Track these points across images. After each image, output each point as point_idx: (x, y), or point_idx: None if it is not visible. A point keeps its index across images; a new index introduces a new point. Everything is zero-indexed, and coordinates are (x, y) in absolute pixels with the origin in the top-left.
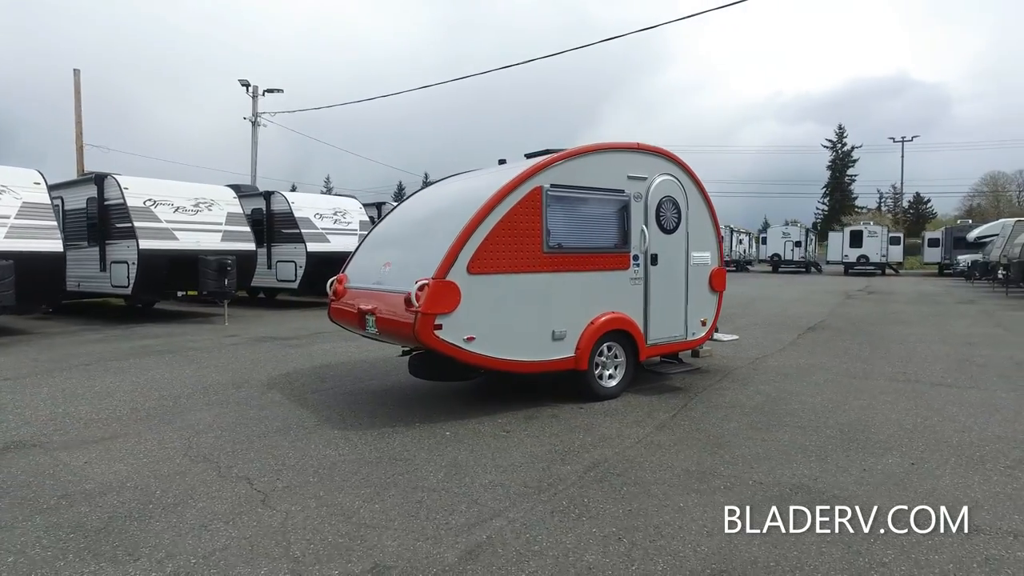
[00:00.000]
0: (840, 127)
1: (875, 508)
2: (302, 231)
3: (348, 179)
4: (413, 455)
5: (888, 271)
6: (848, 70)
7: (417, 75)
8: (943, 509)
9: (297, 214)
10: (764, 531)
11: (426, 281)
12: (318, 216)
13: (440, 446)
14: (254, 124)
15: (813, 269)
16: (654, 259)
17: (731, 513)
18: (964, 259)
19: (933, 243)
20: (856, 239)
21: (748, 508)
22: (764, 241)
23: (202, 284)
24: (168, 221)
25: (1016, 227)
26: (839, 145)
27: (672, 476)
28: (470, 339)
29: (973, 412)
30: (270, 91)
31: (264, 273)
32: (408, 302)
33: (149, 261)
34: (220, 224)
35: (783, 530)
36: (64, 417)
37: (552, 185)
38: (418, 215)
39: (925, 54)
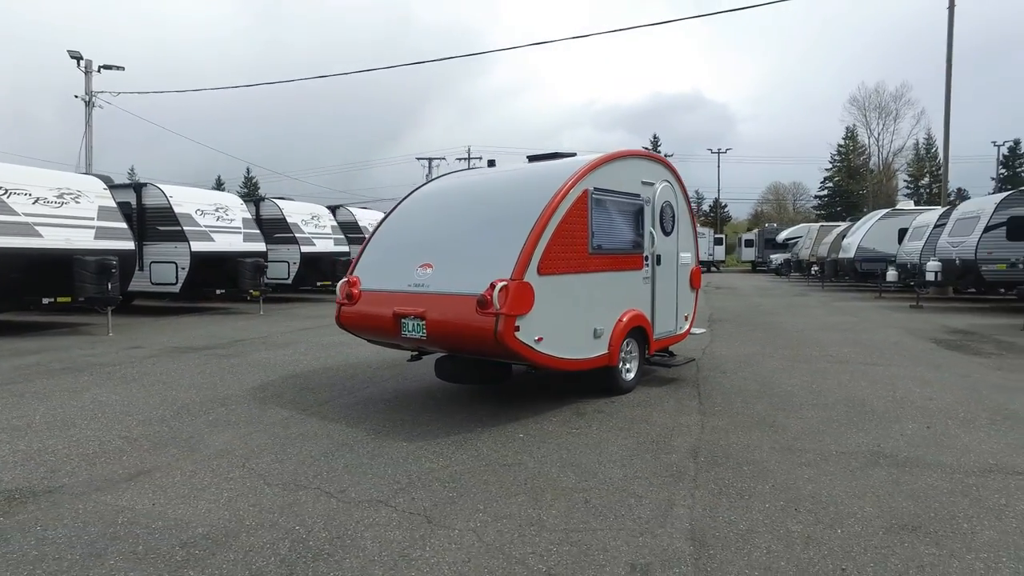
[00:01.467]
0: (655, 136)
1: (947, 463)
2: (184, 228)
3: (156, 169)
4: (519, 458)
5: (712, 269)
6: (652, 85)
7: (229, 65)
8: (990, 459)
9: (177, 209)
10: (897, 484)
11: (505, 282)
12: (200, 212)
13: (530, 447)
14: (88, 104)
15: None
16: (658, 259)
17: (853, 476)
18: (776, 257)
19: (748, 243)
20: None
21: (862, 471)
22: None
23: (79, 289)
24: (27, 214)
25: (820, 231)
26: (665, 155)
27: (767, 454)
28: (539, 340)
29: (917, 385)
30: (108, 68)
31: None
32: (483, 304)
33: (4, 262)
34: (92, 219)
35: (907, 485)
36: (47, 455)
37: (595, 188)
38: (447, 215)
39: (715, 76)
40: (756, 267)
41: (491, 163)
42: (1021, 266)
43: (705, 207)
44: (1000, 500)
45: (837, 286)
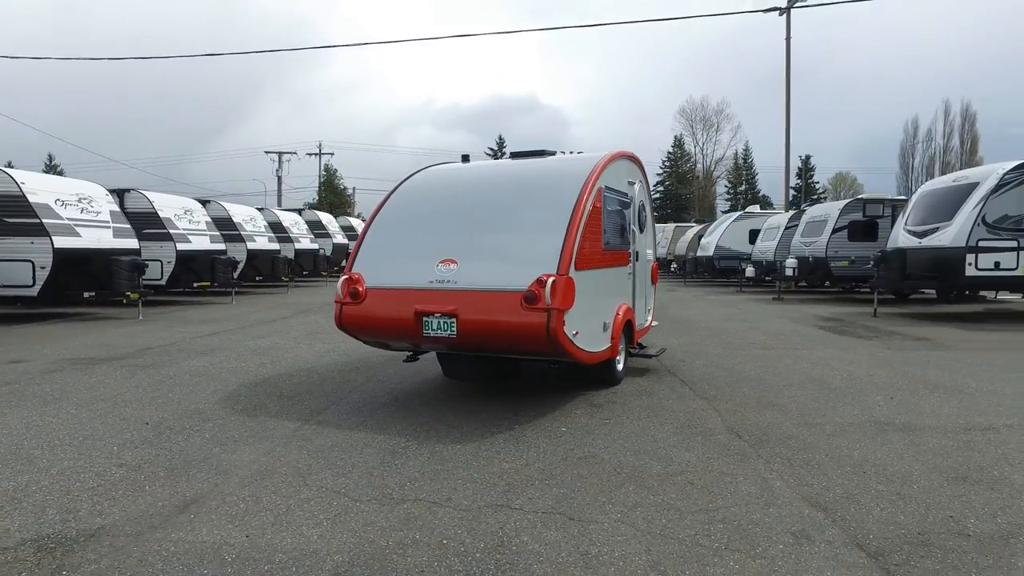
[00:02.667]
0: (500, 137)
1: (933, 426)
2: (43, 221)
3: None
4: (588, 450)
5: None
6: (492, 87)
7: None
8: (959, 420)
9: (32, 199)
10: (916, 445)
11: (553, 277)
12: (60, 203)
13: (585, 440)
14: None
15: None
16: (636, 255)
17: (878, 442)
18: None
19: None
20: None
21: (880, 436)
22: None
23: None
24: None
25: (675, 231)
26: (500, 154)
27: (795, 429)
28: (576, 334)
29: (845, 364)
30: None
31: None
32: (531, 300)
33: None
34: None
35: (923, 446)
36: (40, 493)
37: (606, 186)
38: (458, 209)
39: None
40: None
41: (465, 158)
42: (860, 263)
43: None
44: (1000, 451)
45: (697, 282)
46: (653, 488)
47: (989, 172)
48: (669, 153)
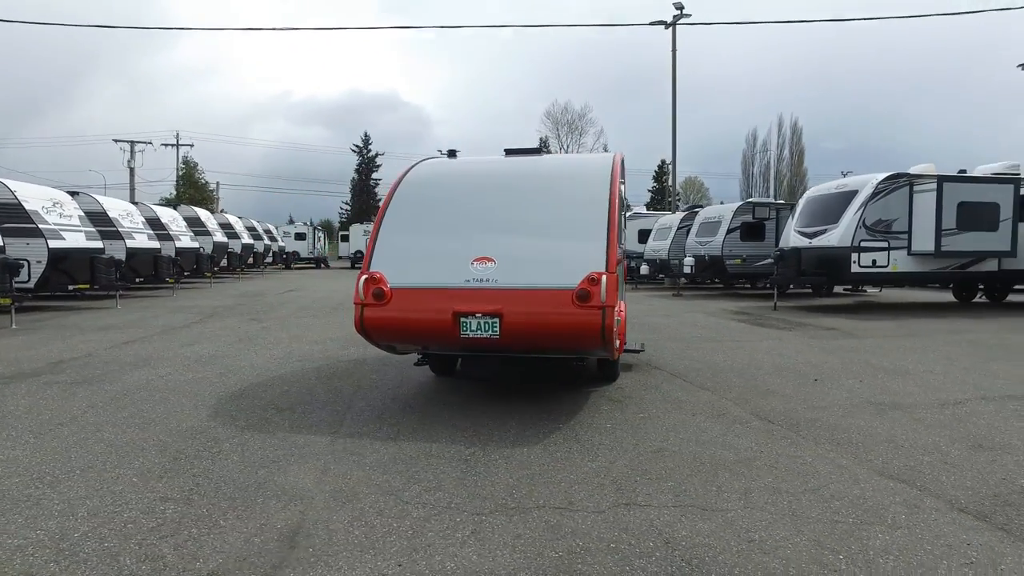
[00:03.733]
0: (366, 134)
1: (919, 403)
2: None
3: None
4: (657, 444)
5: None
6: (350, 82)
7: None
8: (933, 396)
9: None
10: (919, 421)
11: (604, 275)
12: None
13: (641, 435)
14: None
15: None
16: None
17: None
18: None
19: None
20: None
21: (885, 415)
22: (346, 239)
23: None
24: None
25: None
26: (365, 151)
27: (811, 413)
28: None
29: (795, 352)
30: None
31: None
32: (583, 297)
33: None
34: None
35: (924, 422)
36: (109, 537)
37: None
38: (481, 205)
39: (411, 79)
40: None
41: (452, 153)
42: (750, 261)
43: None
44: (985, 421)
45: None
46: (746, 474)
47: (865, 181)
48: None
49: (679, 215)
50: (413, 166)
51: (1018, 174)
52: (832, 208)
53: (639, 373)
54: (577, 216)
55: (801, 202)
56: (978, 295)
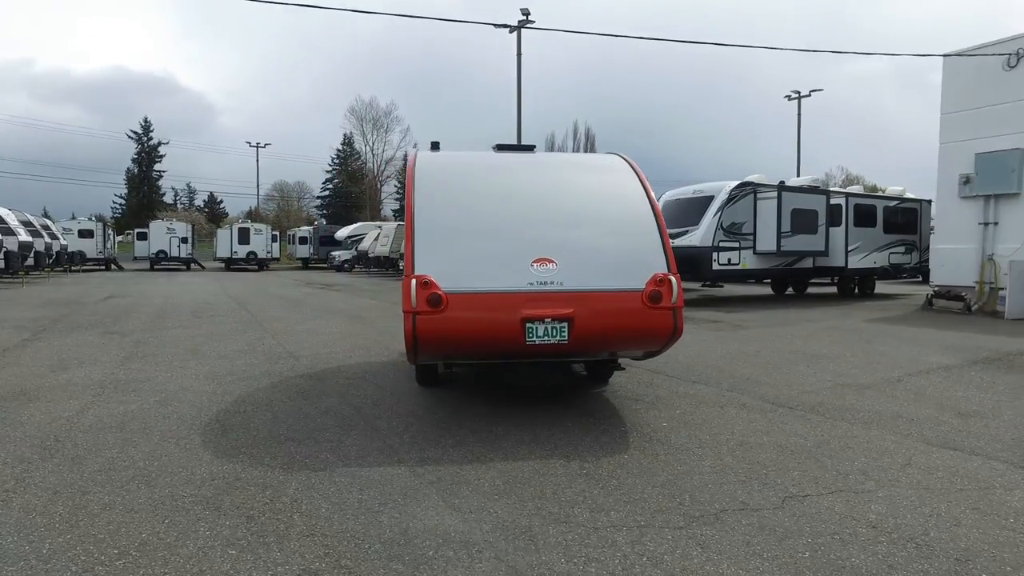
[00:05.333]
0: (146, 120)
1: (879, 382)
2: None
3: None
4: (741, 439)
5: (270, 266)
6: (114, 57)
7: None
8: (882, 375)
9: None
10: (895, 396)
11: (672, 276)
12: None
13: (705, 433)
14: None
15: (195, 266)
16: None
17: (886, 397)
18: (340, 254)
19: (303, 240)
20: (244, 236)
21: (882, 392)
22: (144, 237)
23: None
24: None
25: (398, 230)
26: (145, 139)
27: (824, 397)
28: None
29: (737, 345)
30: None
31: None
32: (655, 299)
33: None
34: None
35: (904, 395)
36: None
37: None
38: (530, 202)
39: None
40: (309, 264)
41: (435, 145)
42: None
43: (199, 201)
44: (942, 391)
45: None
46: (837, 457)
47: (720, 188)
48: (338, 150)
49: None
50: (416, 156)
51: (819, 187)
52: (691, 211)
53: (618, 376)
54: (625, 215)
55: (659, 204)
56: (787, 289)
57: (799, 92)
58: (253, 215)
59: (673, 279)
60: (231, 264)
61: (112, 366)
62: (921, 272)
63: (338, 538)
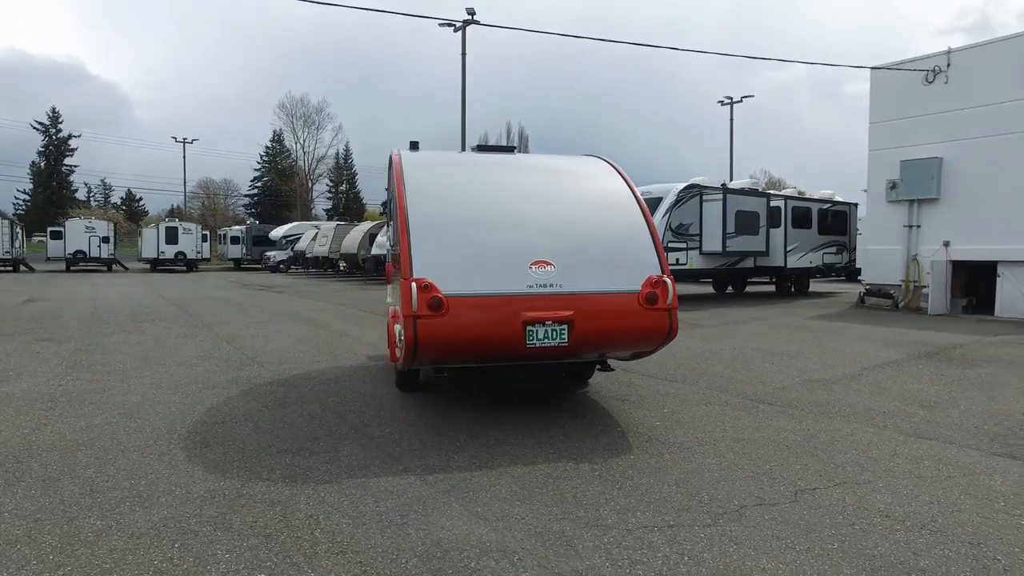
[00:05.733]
0: (54, 111)
1: (845, 376)
2: None
3: None
4: (743, 437)
5: (200, 267)
6: (9, 39)
7: None
8: (841, 371)
9: None
10: (877, 388)
11: (666, 277)
12: None
13: (717, 435)
14: None
15: (117, 267)
16: None
17: (859, 389)
18: (274, 255)
19: (235, 240)
20: (172, 235)
21: (833, 387)
22: (59, 236)
23: None
24: None
25: (338, 230)
26: (54, 131)
27: (801, 394)
28: None
29: (699, 343)
30: None
31: None
32: (652, 300)
33: None
34: None
35: (861, 391)
36: None
37: None
38: (523, 204)
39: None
40: (241, 265)
41: (414, 145)
42: None
43: (116, 198)
44: (901, 384)
45: (381, 280)
46: (831, 450)
47: (668, 190)
48: (267, 147)
49: None
50: (401, 155)
51: (758, 188)
52: None
53: (598, 376)
54: (616, 217)
55: None
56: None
57: (731, 98)
58: (176, 213)
59: (668, 281)
60: (157, 265)
61: (56, 377)
62: (848, 271)
63: (370, 554)
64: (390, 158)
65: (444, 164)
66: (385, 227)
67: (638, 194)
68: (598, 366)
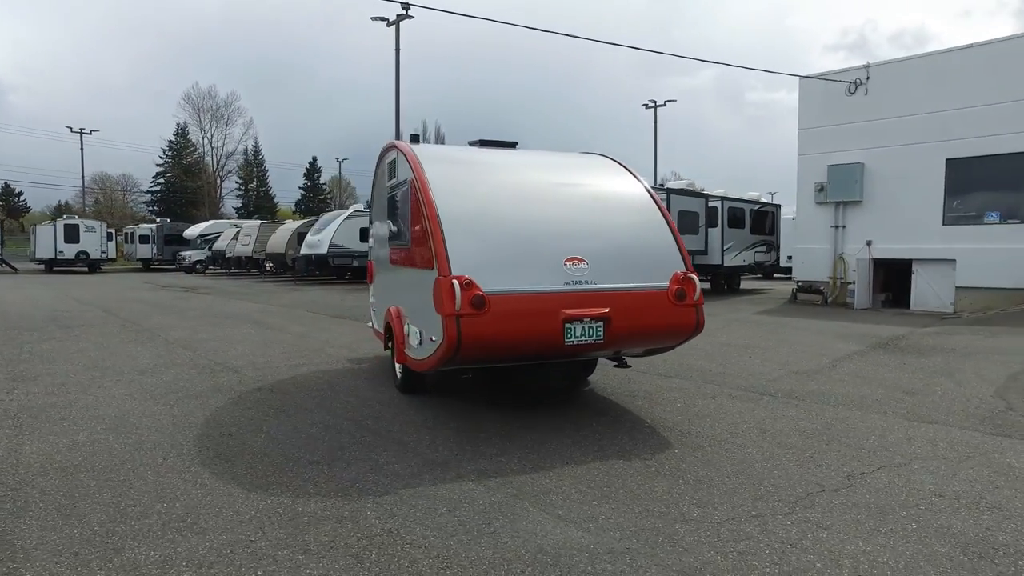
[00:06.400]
0: None
1: (821, 367)
2: None
3: None
4: (768, 427)
5: (103, 267)
6: None
7: None
8: (818, 362)
9: None
10: (854, 377)
11: (686, 273)
12: None
13: (730, 422)
14: None
15: (5, 267)
16: None
17: (840, 379)
18: (190, 254)
19: (144, 239)
20: (72, 234)
21: (816, 377)
22: None
23: None
24: None
25: (263, 228)
26: None
27: (782, 384)
28: None
29: None
30: None
31: None
32: (681, 297)
33: None
34: None
35: (841, 380)
36: None
37: None
38: (547, 201)
39: None
40: (151, 265)
41: (414, 138)
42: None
43: None
44: (873, 372)
45: (316, 281)
46: (851, 436)
47: None
48: (171, 142)
49: None
50: (414, 149)
51: (699, 190)
52: None
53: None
54: (636, 214)
55: None
56: None
57: (655, 101)
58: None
59: (694, 277)
60: (55, 266)
61: (1, 392)
62: (775, 269)
63: (479, 568)
64: (395, 151)
65: (461, 159)
66: (371, 223)
67: (653, 192)
68: (614, 363)
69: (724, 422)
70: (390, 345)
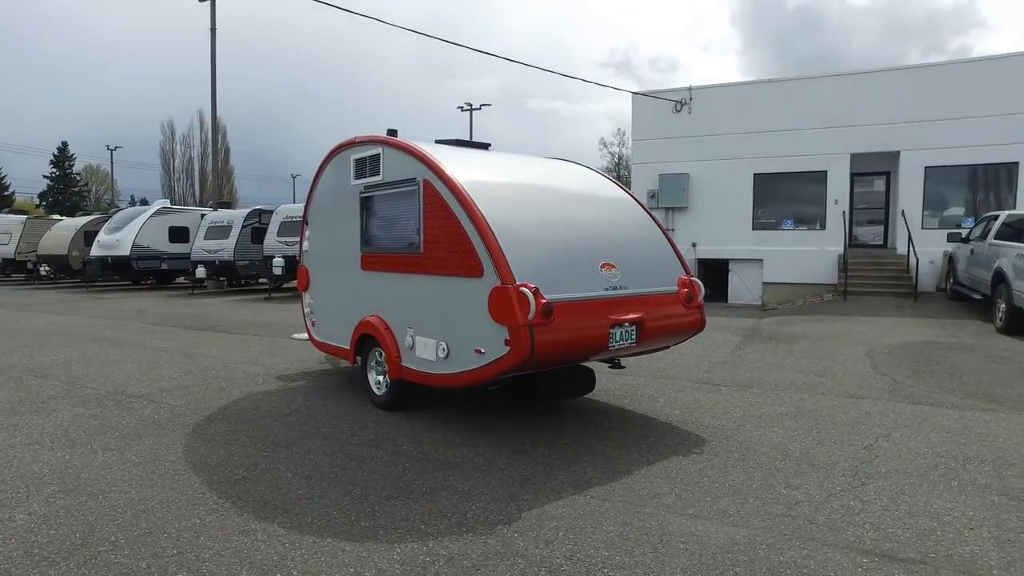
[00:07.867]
0: None
1: (793, 364)
2: None
3: None
4: (802, 411)
5: None
6: None
7: None
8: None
9: None
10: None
11: (689, 278)
12: None
13: (742, 417)
14: None
15: None
16: None
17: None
18: None
19: None
20: None
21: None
22: None
23: None
24: None
25: (29, 224)
26: None
27: (758, 374)
28: None
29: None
30: None
31: None
32: (690, 299)
33: None
34: None
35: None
36: None
37: None
38: (565, 206)
39: None
40: None
41: (392, 132)
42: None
43: None
44: (782, 359)
45: (113, 287)
46: (848, 415)
47: None
48: None
49: (243, 212)
50: (427, 149)
51: None
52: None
53: None
54: (634, 220)
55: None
56: None
57: (471, 104)
58: None
59: (697, 280)
60: None
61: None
62: None
63: (640, 569)
64: (378, 146)
65: (473, 162)
66: (305, 224)
67: (641, 201)
68: (609, 366)
69: (717, 412)
70: (359, 359)
